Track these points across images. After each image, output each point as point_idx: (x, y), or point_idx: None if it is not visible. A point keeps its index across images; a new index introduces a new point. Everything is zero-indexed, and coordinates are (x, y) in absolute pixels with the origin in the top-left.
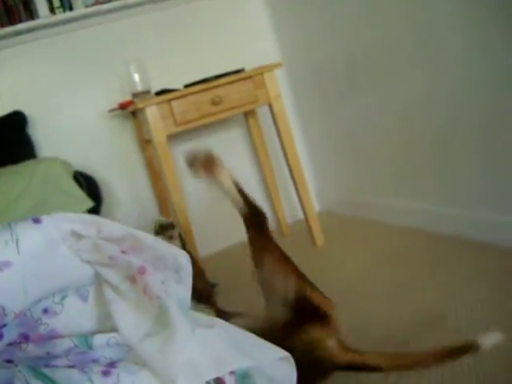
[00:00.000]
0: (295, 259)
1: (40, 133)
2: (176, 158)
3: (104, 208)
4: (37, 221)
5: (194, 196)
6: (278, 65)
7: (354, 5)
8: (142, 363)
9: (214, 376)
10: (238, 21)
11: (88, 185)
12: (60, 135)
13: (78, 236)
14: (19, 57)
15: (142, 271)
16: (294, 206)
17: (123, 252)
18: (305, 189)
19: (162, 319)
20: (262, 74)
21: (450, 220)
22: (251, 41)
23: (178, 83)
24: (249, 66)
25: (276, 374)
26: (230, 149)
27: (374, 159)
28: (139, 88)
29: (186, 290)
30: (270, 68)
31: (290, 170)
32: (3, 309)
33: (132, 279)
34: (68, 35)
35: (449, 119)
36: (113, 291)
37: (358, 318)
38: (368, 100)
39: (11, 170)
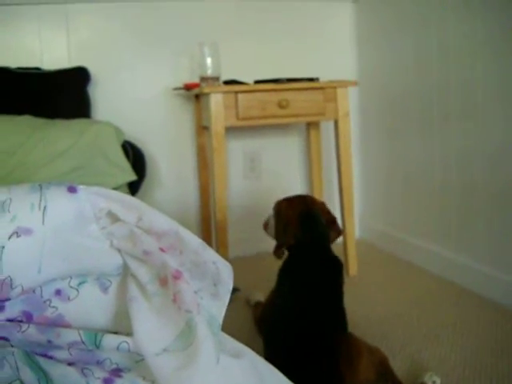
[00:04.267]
0: None
1: (99, 94)
2: (229, 151)
3: (143, 185)
4: (72, 190)
5: (237, 196)
6: (354, 83)
7: (437, 43)
8: (151, 379)
9: None
10: (322, 29)
11: (134, 157)
12: (118, 101)
13: (114, 218)
14: (95, 14)
15: (177, 276)
16: None
17: (161, 249)
18: (351, 213)
19: (186, 336)
20: (335, 88)
21: (495, 284)
22: (329, 52)
23: (246, 77)
24: (320, 76)
25: None
26: (285, 155)
27: (427, 202)
28: (209, 72)
29: (220, 307)
30: (344, 84)
31: (341, 192)
32: (11, 280)
33: (163, 282)
34: (148, 3)
35: None
36: (138, 289)
37: None
38: (433, 142)
39: (62, 124)
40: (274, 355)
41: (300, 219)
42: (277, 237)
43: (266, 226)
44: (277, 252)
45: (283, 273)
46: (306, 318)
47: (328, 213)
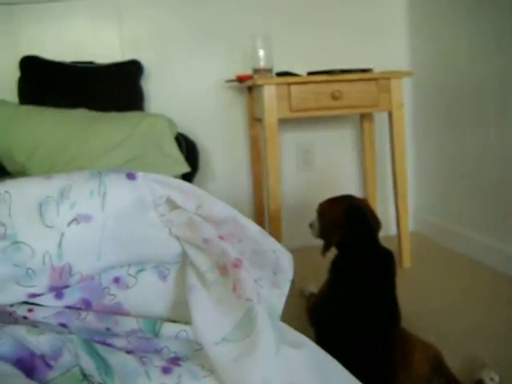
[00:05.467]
0: None
1: (152, 86)
2: (282, 144)
3: (196, 177)
4: (131, 177)
5: (291, 188)
6: (408, 73)
7: (492, 32)
8: (209, 368)
9: None
10: (375, 18)
11: (188, 149)
12: (171, 93)
13: (173, 205)
14: (147, 6)
15: (237, 264)
16: (388, 220)
17: (220, 237)
18: (405, 206)
19: (246, 325)
20: (388, 79)
21: None
22: (382, 42)
23: (298, 68)
24: (373, 66)
25: None
26: (338, 147)
27: (483, 194)
28: (261, 64)
29: (280, 297)
30: (398, 75)
31: (395, 184)
32: (70, 267)
33: (223, 270)
34: None
35: None
36: (197, 278)
37: None
38: (489, 133)
39: (116, 117)
40: (324, 347)
41: (345, 215)
42: (324, 236)
43: (311, 226)
44: (324, 251)
45: (335, 266)
46: (359, 311)
47: (370, 207)
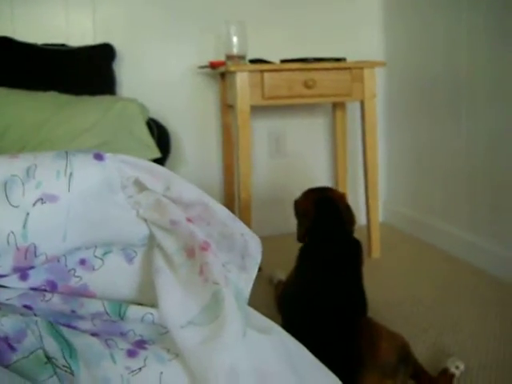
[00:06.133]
0: None
1: (124, 70)
2: (254, 131)
3: (167, 163)
4: (99, 157)
5: (262, 176)
6: (382, 64)
7: (466, 25)
8: (175, 352)
9: None
10: (349, 9)
11: (159, 134)
12: (143, 78)
13: (142, 187)
14: None
15: (205, 247)
16: (358, 210)
17: (188, 220)
18: (375, 196)
19: (213, 309)
20: (362, 68)
21: None
22: (357, 32)
23: (272, 56)
24: (347, 56)
25: None
26: (309, 136)
27: (453, 185)
28: (235, 51)
29: (247, 281)
30: (372, 64)
31: (366, 174)
32: (35, 247)
33: (190, 253)
34: None
35: None
36: (164, 260)
37: None
38: (460, 125)
39: (87, 101)
40: (292, 335)
41: (315, 205)
42: (298, 224)
43: None
44: (298, 238)
45: (302, 254)
46: (323, 298)
47: (345, 201)
